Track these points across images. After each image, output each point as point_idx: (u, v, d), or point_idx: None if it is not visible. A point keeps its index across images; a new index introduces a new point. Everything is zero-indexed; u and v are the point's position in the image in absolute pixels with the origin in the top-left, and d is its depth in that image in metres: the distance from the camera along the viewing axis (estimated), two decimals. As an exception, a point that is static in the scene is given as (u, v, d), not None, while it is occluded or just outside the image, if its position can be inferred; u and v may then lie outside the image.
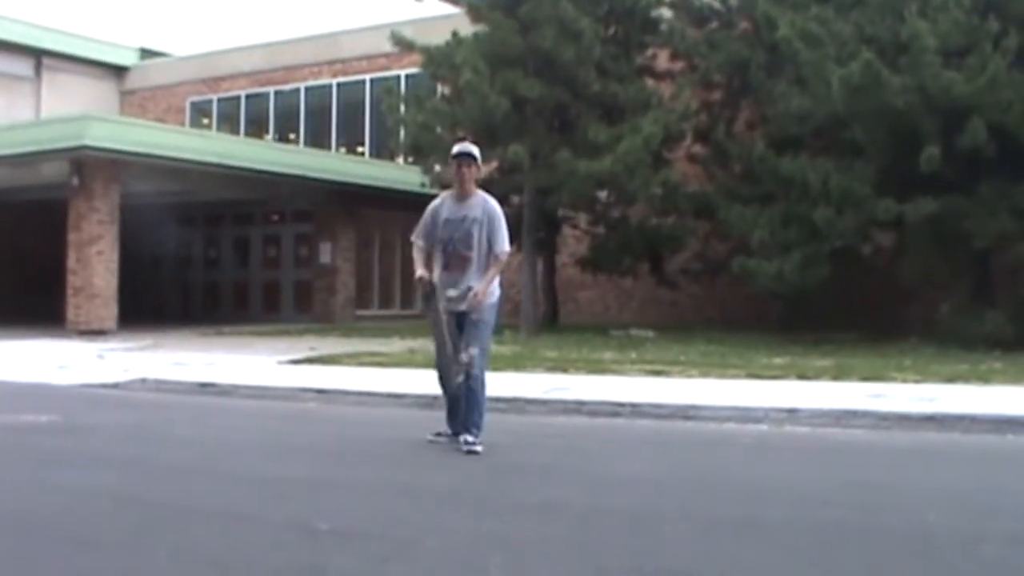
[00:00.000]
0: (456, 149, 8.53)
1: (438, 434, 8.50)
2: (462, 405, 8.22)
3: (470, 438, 8.04)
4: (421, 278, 8.34)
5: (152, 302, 29.79)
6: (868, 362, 14.51)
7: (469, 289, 8.17)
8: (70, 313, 22.54)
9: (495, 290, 8.42)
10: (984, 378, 12.47)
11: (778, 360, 15.01)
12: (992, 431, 9.08)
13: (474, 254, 8.25)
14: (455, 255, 8.26)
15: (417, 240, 8.54)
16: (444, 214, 8.37)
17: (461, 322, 8.24)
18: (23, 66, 33.34)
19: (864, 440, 8.89)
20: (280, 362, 15.75)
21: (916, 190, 17.51)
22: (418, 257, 8.51)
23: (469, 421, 8.12)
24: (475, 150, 8.52)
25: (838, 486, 6.80)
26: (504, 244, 8.35)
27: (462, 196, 8.39)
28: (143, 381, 13.58)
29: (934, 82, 16.88)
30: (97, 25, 76.64)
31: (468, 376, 8.13)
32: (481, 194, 8.48)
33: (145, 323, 24.51)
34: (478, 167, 8.56)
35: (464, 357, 8.14)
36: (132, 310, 24.18)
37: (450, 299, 8.27)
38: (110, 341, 20.56)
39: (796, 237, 18.69)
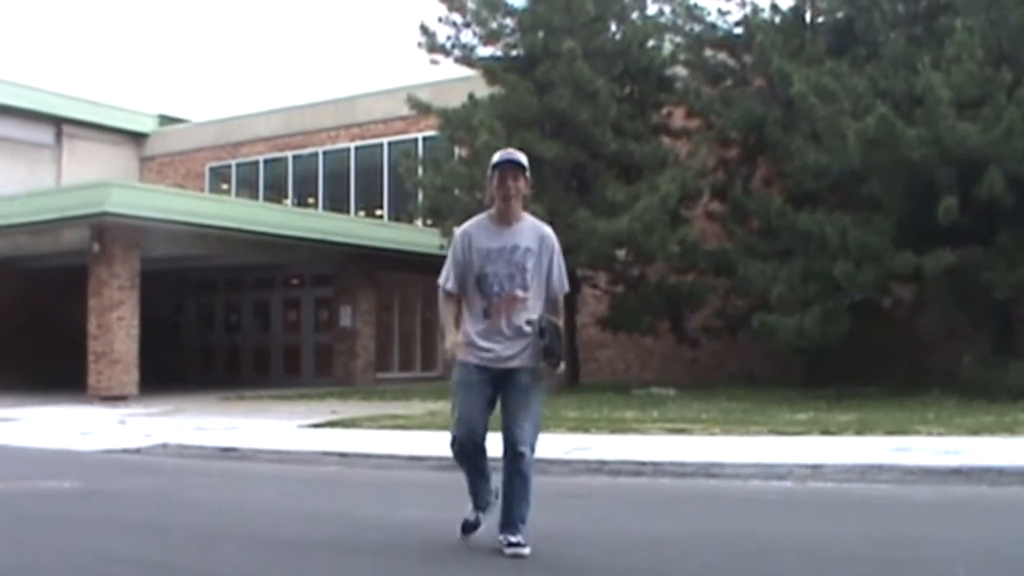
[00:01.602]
0: (498, 157, 6.52)
1: (467, 527, 6.70)
2: (507, 494, 6.31)
3: (517, 538, 6.22)
4: (452, 350, 6.43)
5: (173, 367, 29.84)
6: (891, 416, 14.42)
7: (523, 337, 6.31)
8: (91, 379, 22.59)
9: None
10: (1010, 429, 12.38)
11: (801, 416, 14.93)
12: (1020, 483, 8.99)
13: (530, 295, 6.39)
14: (501, 297, 6.35)
15: (445, 284, 6.52)
16: (482, 243, 6.41)
17: (503, 386, 6.34)
18: (44, 134, 33.66)
19: (889, 495, 8.81)
20: (301, 426, 15.72)
21: (934, 242, 17.50)
22: (446, 311, 6.57)
23: (516, 515, 6.27)
24: (523, 158, 6.51)
25: (864, 542, 6.73)
26: (566, 281, 6.67)
27: (506, 219, 6.46)
28: (165, 446, 13.56)
29: (949, 134, 16.90)
30: (116, 92, 77.58)
31: (519, 462, 6.23)
32: (530, 217, 6.61)
33: (166, 388, 24.54)
34: (527, 181, 6.50)
35: (522, 436, 6.25)
36: (153, 375, 24.21)
37: (490, 353, 6.34)
38: (131, 406, 20.57)
39: (816, 292, 18.67)
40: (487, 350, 6.35)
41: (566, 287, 6.65)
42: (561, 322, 6.54)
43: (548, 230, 6.58)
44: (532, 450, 6.32)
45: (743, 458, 10.54)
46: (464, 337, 6.44)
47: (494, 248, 6.41)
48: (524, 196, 6.54)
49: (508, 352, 6.35)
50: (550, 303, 6.53)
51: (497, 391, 6.39)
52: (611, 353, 26.89)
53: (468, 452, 6.45)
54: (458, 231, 6.64)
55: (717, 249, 21.95)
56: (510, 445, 6.28)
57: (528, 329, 6.32)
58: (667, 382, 22.24)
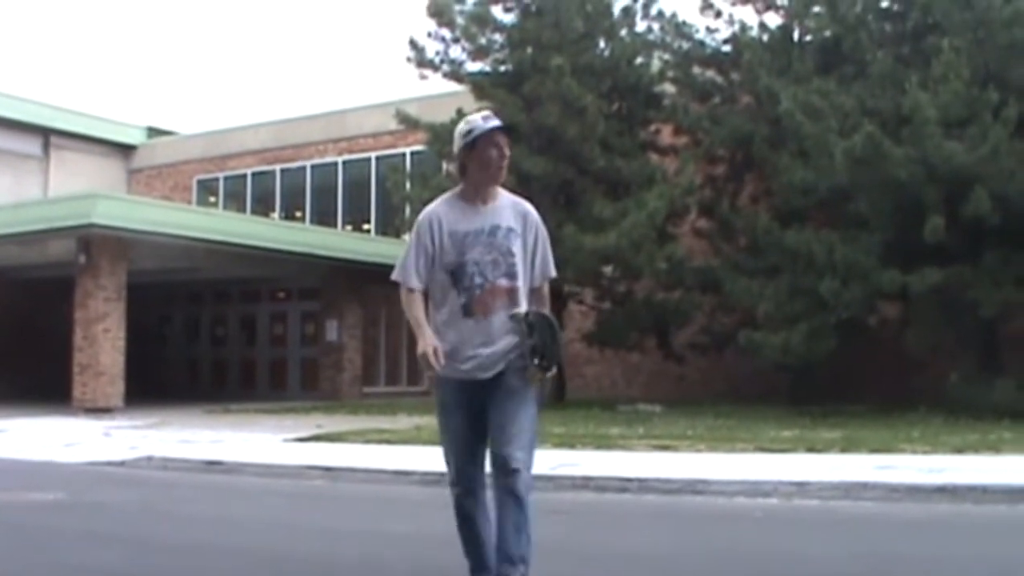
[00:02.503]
0: (483, 121, 5.38)
1: None
2: (500, 523, 5.18)
3: None
4: (427, 355, 5.13)
5: (158, 379, 29.75)
6: (877, 433, 14.44)
7: (511, 336, 5.22)
8: (76, 391, 22.51)
9: None
10: (995, 448, 12.40)
11: (786, 433, 14.94)
12: (1004, 501, 9.01)
13: (519, 283, 5.31)
14: (484, 290, 5.23)
15: (409, 280, 5.33)
16: (456, 226, 5.29)
17: (489, 394, 5.24)
18: (31, 145, 33.61)
19: (874, 512, 8.81)
20: (287, 440, 15.68)
21: (921, 261, 17.56)
22: (415, 308, 5.32)
23: (515, 549, 5.15)
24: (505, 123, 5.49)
25: (849, 558, 6.74)
26: (552, 266, 5.56)
27: (483, 195, 5.37)
28: (149, 459, 13.51)
29: (936, 153, 16.98)
30: (105, 104, 77.48)
31: (512, 480, 5.12)
32: (506, 193, 5.50)
33: (152, 400, 24.47)
34: (510, 147, 5.43)
35: (513, 451, 5.14)
36: (138, 387, 24.15)
37: (474, 360, 5.22)
38: (116, 419, 20.51)
39: (802, 309, 18.71)
40: (470, 358, 5.20)
41: (552, 272, 5.55)
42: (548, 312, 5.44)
43: (529, 206, 5.52)
44: (528, 468, 5.17)
45: (729, 475, 10.54)
46: (446, 345, 5.21)
47: (471, 231, 5.27)
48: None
49: (495, 356, 5.22)
50: (534, 293, 5.44)
51: (484, 404, 5.25)
52: (597, 369, 26.91)
53: (466, 510, 5.38)
54: (422, 215, 5.42)
55: (704, 266, 22.00)
56: (500, 462, 5.15)
57: (513, 323, 5.22)
58: (653, 398, 22.24)
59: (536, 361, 5.17)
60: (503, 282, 5.28)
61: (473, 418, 5.29)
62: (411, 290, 5.33)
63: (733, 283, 20.08)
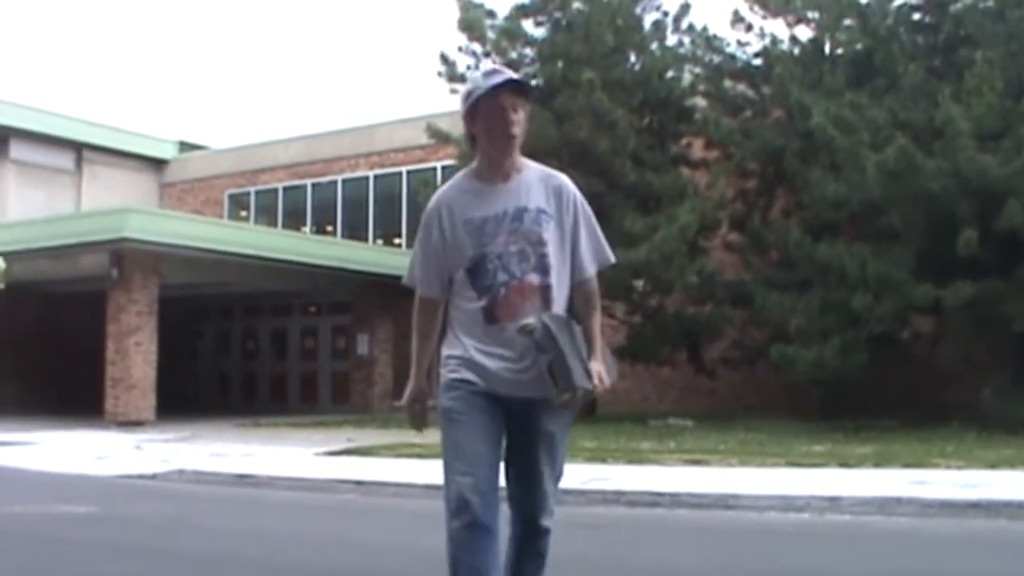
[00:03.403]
0: (487, 78, 4.29)
1: None
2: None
3: None
4: (408, 409, 4.48)
5: (190, 393, 29.91)
6: (910, 448, 14.33)
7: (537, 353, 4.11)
8: (108, 404, 22.64)
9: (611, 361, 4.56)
10: (1029, 464, 12.29)
11: (818, 448, 14.86)
12: (1039, 517, 8.93)
13: (552, 280, 4.23)
14: (510, 288, 4.18)
15: (423, 287, 4.42)
16: (470, 212, 4.26)
17: (514, 425, 4.23)
18: (64, 159, 33.83)
19: (908, 528, 8.75)
20: (317, 454, 15.71)
21: (954, 274, 17.44)
22: (424, 327, 4.44)
23: None
24: (519, 76, 4.36)
25: (882, 575, 6.68)
26: (608, 251, 4.47)
27: (501, 170, 4.30)
28: (181, 472, 13.56)
29: (969, 166, 16.88)
30: (137, 119, 78.08)
31: (536, 535, 4.31)
32: (533, 165, 4.40)
33: (183, 414, 24.57)
34: (527, 111, 4.31)
35: (544, 505, 4.29)
36: (170, 401, 24.25)
37: (498, 373, 4.18)
38: (148, 432, 20.60)
39: (834, 324, 18.61)
40: (494, 372, 4.16)
41: (609, 256, 4.43)
42: (597, 320, 4.41)
43: (564, 178, 4.42)
44: (554, 516, 4.33)
45: (760, 490, 10.49)
46: (458, 350, 4.26)
47: (490, 216, 4.22)
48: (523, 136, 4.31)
49: (527, 373, 4.14)
50: (579, 290, 4.35)
51: (503, 425, 4.22)
52: (628, 384, 26.79)
53: (471, 551, 4.03)
54: (430, 203, 4.43)
55: (735, 280, 21.92)
56: (526, 516, 4.28)
57: (524, 339, 4.13)
58: (685, 413, 22.15)
59: (558, 380, 4.08)
60: (533, 278, 4.19)
61: (489, 430, 4.17)
62: (428, 301, 4.41)
63: (764, 297, 19.99)
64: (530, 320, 4.09)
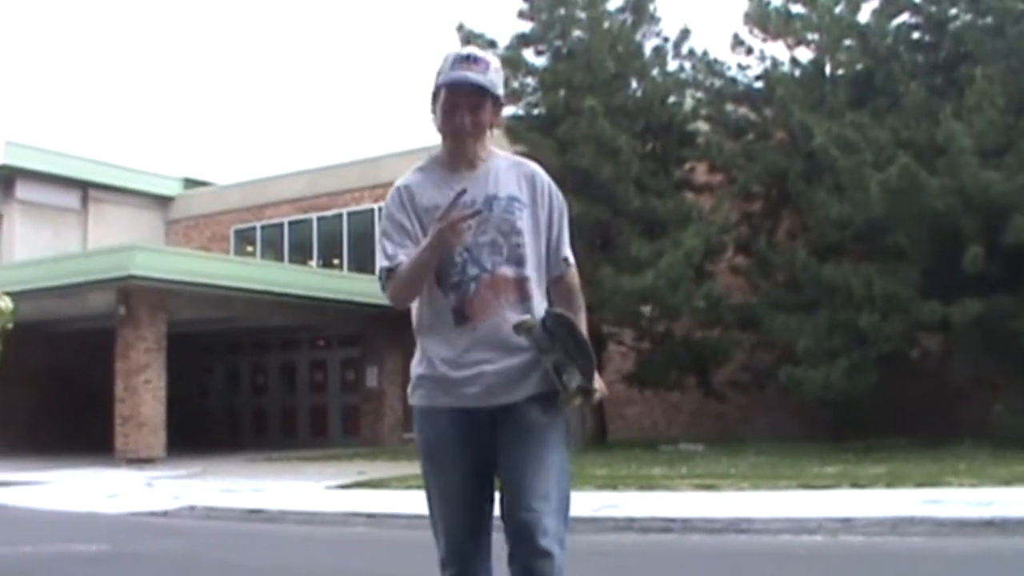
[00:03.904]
0: (450, 58, 3.81)
1: None
2: None
3: None
4: (450, 218, 3.55)
5: (200, 429, 29.87)
6: (922, 467, 14.29)
7: (524, 349, 3.68)
8: (118, 441, 22.64)
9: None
10: (1043, 480, 12.25)
11: (830, 469, 14.82)
12: (1054, 535, 8.88)
13: (528, 271, 3.79)
14: (481, 282, 3.72)
15: (393, 262, 3.78)
16: (430, 199, 3.78)
17: (501, 433, 3.71)
18: (70, 198, 33.89)
19: (922, 548, 8.71)
20: (328, 487, 15.68)
21: (961, 291, 17.44)
22: (407, 267, 3.72)
23: None
24: (489, 71, 3.79)
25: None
26: (568, 247, 4.07)
27: (464, 157, 3.86)
28: (192, 509, 13.55)
29: (973, 182, 16.91)
30: (142, 156, 78.37)
31: (536, 559, 3.58)
32: (502, 152, 4.05)
33: (193, 450, 24.55)
34: (497, 110, 3.88)
35: (542, 524, 3.58)
36: (180, 437, 24.24)
37: (477, 381, 3.68)
38: (159, 469, 20.60)
39: (842, 344, 18.60)
40: (470, 379, 3.68)
41: (567, 253, 4.04)
42: (583, 319, 3.88)
43: (537, 167, 4.03)
44: (561, 544, 3.62)
45: (772, 513, 10.46)
46: (425, 368, 3.82)
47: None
48: (492, 126, 3.91)
49: (505, 375, 3.68)
50: (559, 286, 3.96)
51: (493, 447, 3.72)
52: (638, 409, 26.76)
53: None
54: (391, 192, 3.94)
55: (742, 303, 21.91)
56: (522, 536, 3.59)
57: (522, 338, 3.67)
58: (695, 437, 22.10)
59: (567, 381, 3.61)
60: (507, 271, 3.74)
61: (477, 466, 3.74)
62: (390, 271, 3.79)
63: (772, 319, 19.99)
64: (526, 317, 3.67)
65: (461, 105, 3.74)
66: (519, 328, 3.65)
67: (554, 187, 4.00)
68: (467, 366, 3.67)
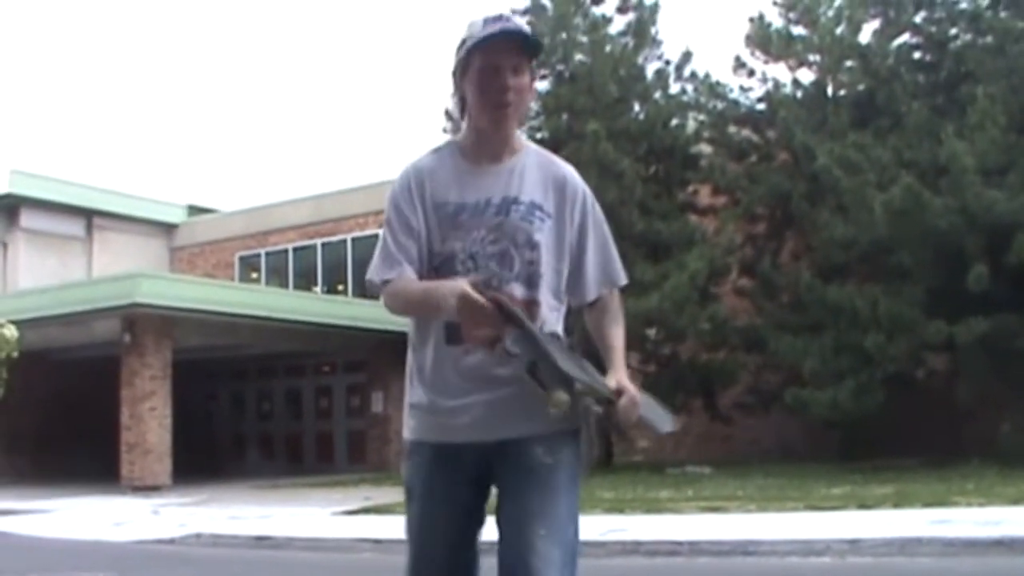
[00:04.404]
0: (477, 23, 3.22)
1: None
2: None
3: None
4: (464, 294, 2.90)
5: (206, 456, 29.82)
6: (929, 487, 14.25)
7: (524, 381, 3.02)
8: (124, 469, 22.62)
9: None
10: (1051, 499, 12.22)
11: (837, 490, 14.78)
12: (1063, 554, 8.85)
13: (542, 294, 3.22)
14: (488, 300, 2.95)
15: (386, 272, 3.21)
16: (446, 193, 3.25)
17: (499, 474, 3.22)
18: (75, 226, 33.95)
19: (930, 568, 8.68)
20: (335, 513, 15.66)
21: (966, 310, 17.43)
22: (407, 291, 3.21)
23: None
24: (527, 29, 3.31)
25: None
26: (620, 268, 3.54)
27: (492, 147, 3.31)
28: (199, 536, 13.52)
29: (976, 201, 16.92)
30: (146, 184, 78.47)
31: None
32: (533, 147, 3.50)
33: (199, 477, 24.52)
34: (534, 79, 3.36)
35: (543, 570, 3.04)
36: (186, 464, 24.20)
37: (468, 412, 3.17)
38: (165, 496, 20.57)
39: (848, 365, 18.59)
40: (460, 409, 3.17)
41: (620, 276, 3.50)
42: (620, 334, 3.46)
43: (571, 170, 3.51)
44: None
45: (780, 534, 10.43)
46: (416, 396, 3.34)
47: (467, 204, 3.22)
48: (528, 105, 3.40)
49: (502, 408, 3.14)
50: (592, 308, 3.43)
51: (486, 489, 3.27)
52: (644, 433, 26.72)
53: None
54: (398, 178, 3.38)
55: (747, 325, 21.91)
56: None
57: (520, 368, 3.03)
58: (702, 460, 22.06)
59: (541, 384, 2.99)
60: (516, 289, 3.16)
61: (462, 511, 3.29)
62: (388, 281, 3.21)
63: (777, 341, 19.98)
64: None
65: (504, 67, 3.15)
66: (490, 350, 3.02)
67: (589, 196, 3.43)
68: (457, 395, 3.17)
